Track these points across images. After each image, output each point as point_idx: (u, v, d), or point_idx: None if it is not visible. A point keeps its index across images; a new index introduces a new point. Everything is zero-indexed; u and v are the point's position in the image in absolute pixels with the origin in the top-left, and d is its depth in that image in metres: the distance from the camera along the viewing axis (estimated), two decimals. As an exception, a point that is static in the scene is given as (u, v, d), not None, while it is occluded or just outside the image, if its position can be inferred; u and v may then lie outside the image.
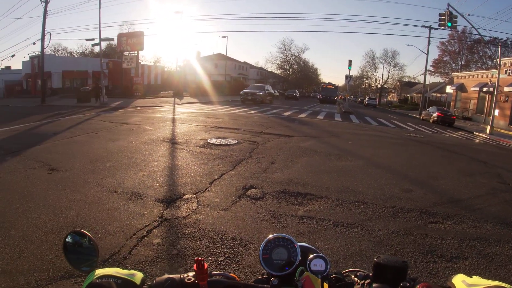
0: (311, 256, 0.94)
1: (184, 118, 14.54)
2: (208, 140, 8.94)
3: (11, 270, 2.90)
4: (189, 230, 3.84)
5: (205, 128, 11.46)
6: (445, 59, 53.68)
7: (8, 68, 44.50)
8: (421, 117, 28.83)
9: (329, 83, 52.59)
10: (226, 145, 8.53)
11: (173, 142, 8.71)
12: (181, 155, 7.35)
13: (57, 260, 3.08)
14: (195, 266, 0.81)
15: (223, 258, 3.25)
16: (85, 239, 0.92)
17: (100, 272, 0.79)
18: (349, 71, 33.45)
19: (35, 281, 2.77)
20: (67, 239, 0.91)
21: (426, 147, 11.15)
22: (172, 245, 3.50)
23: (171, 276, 0.81)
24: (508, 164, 9.44)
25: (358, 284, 0.89)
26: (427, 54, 37.06)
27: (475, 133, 20.31)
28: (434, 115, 24.86)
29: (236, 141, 8.99)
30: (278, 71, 78.38)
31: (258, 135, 10.43)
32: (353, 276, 0.95)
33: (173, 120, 13.56)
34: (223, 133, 10.47)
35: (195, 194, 4.98)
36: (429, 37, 35.58)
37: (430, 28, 33.89)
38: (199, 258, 0.80)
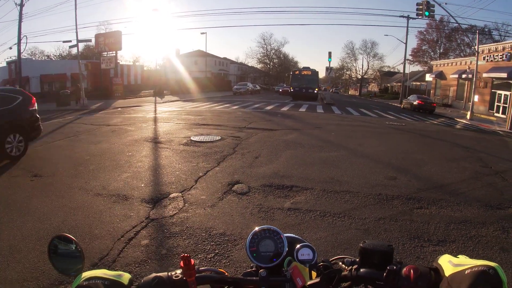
0: (298, 246, 0.96)
1: (166, 116, 14.42)
2: (191, 138, 8.89)
3: (-1, 280, 2.84)
4: (177, 229, 3.82)
5: (187, 125, 11.39)
6: (423, 48, 54.34)
7: (-15, 75, 43.01)
8: (402, 106, 29.19)
9: (306, 68, 36.32)
10: (209, 142, 8.50)
11: (156, 141, 8.63)
12: (164, 154, 7.29)
13: (46, 268, 3.02)
14: (181, 263, 0.81)
15: (212, 254, 3.25)
16: (70, 243, 0.90)
17: (87, 274, 0.78)
18: (329, 63, 33.25)
19: (24, 290, 2.72)
20: (51, 244, 0.89)
21: (408, 135, 11.33)
22: (160, 245, 3.48)
23: (158, 274, 0.81)
24: (489, 148, 9.68)
25: (346, 270, 0.90)
26: (406, 43, 37.51)
27: (455, 119, 20.72)
28: (415, 103, 25.22)
29: (220, 137, 8.97)
30: (259, 66, 78.27)
31: (241, 130, 10.43)
32: (340, 263, 0.97)
33: (155, 119, 13.43)
34: (206, 130, 10.43)
35: (180, 192, 4.96)
36: (407, 27, 36.02)
37: (408, 18, 34.34)
38: (185, 255, 0.80)
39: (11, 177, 5.74)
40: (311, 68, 35.47)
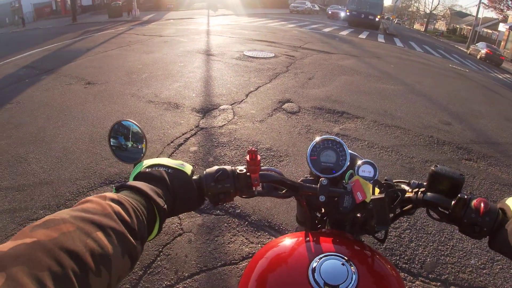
0: (359, 162, 0.90)
1: (219, 30, 14.07)
2: (244, 53, 8.69)
3: (53, 180, 3.08)
4: (225, 139, 3.90)
5: (241, 40, 11.06)
6: (502, -7, 47.98)
7: (34, -10, 43.23)
8: (468, 52, 26.46)
9: None
10: (262, 58, 8.27)
11: (208, 53, 8.54)
12: (216, 67, 7.23)
13: (98, 168, 3.23)
14: (248, 156, 0.76)
15: (257, 168, 3.30)
16: (132, 129, 0.82)
17: (148, 162, 0.75)
18: (399, -10, 29.24)
19: (76, 189, 2.95)
20: (112, 130, 0.82)
21: (470, 83, 10.33)
22: (208, 153, 3.59)
23: (222, 167, 0.78)
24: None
25: (411, 192, 0.84)
26: (484, -16, 32.83)
27: (522, 79, 18.62)
28: (482, 51, 22.69)
29: (273, 55, 8.69)
30: (320, -16, 73.01)
31: (296, 49, 10.01)
32: (403, 186, 0.89)
33: (208, 32, 13.17)
34: (260, 45, 10.10)
35: (231, 105, 4.99)
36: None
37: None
38: (253, 149, 0.76)
39: (65, 84, 5.94)
40: None
